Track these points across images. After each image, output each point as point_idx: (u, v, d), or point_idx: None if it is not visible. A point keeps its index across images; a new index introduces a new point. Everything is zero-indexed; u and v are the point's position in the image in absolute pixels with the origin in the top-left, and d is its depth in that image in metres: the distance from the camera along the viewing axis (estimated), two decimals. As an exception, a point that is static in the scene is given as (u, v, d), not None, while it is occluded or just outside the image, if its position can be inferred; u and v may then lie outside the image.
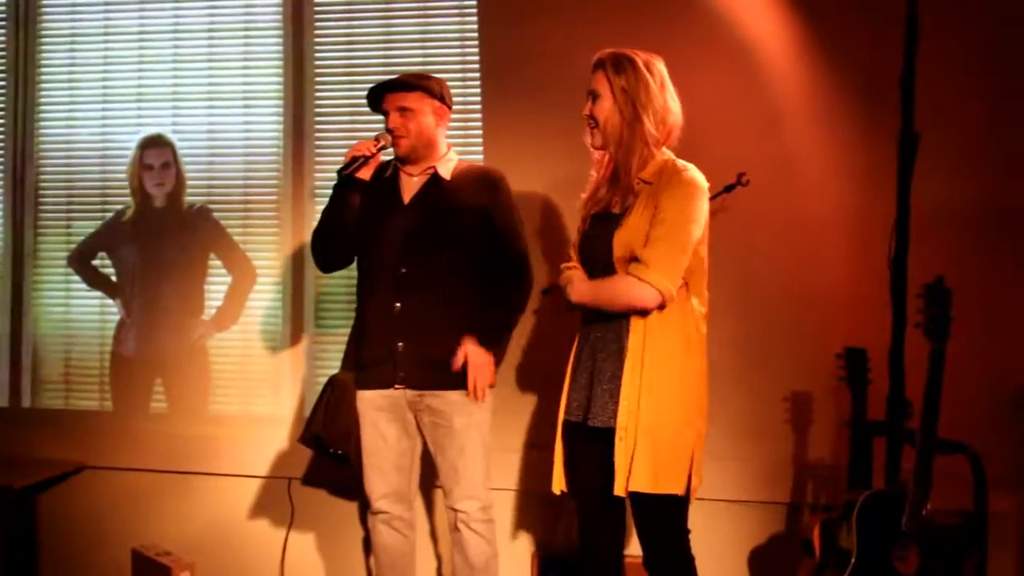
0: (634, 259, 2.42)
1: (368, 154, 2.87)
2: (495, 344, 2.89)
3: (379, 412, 2.92)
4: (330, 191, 2.98)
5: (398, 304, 2.85)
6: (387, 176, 2.99)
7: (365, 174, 2.91)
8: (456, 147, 3.40)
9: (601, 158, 2.59)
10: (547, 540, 3.50)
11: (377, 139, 2.90)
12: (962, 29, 3.11)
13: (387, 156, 3.00)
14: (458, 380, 2.85)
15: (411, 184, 2.97)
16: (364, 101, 2.98)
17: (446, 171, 2.95)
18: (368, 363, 2.90)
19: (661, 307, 2.40)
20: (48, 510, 3.89)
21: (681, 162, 2.49)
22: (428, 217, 2.87)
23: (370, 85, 2.96)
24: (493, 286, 2.93)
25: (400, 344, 2.85)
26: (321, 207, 3.04)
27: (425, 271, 2.84)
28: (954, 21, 3.08)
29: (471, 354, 2.82)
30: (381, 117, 2.96)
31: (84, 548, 3.85)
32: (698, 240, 2.45)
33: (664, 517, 2.47)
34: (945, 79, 3.00)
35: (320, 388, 3.04)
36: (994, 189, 3.14)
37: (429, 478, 3.16)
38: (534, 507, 3.50)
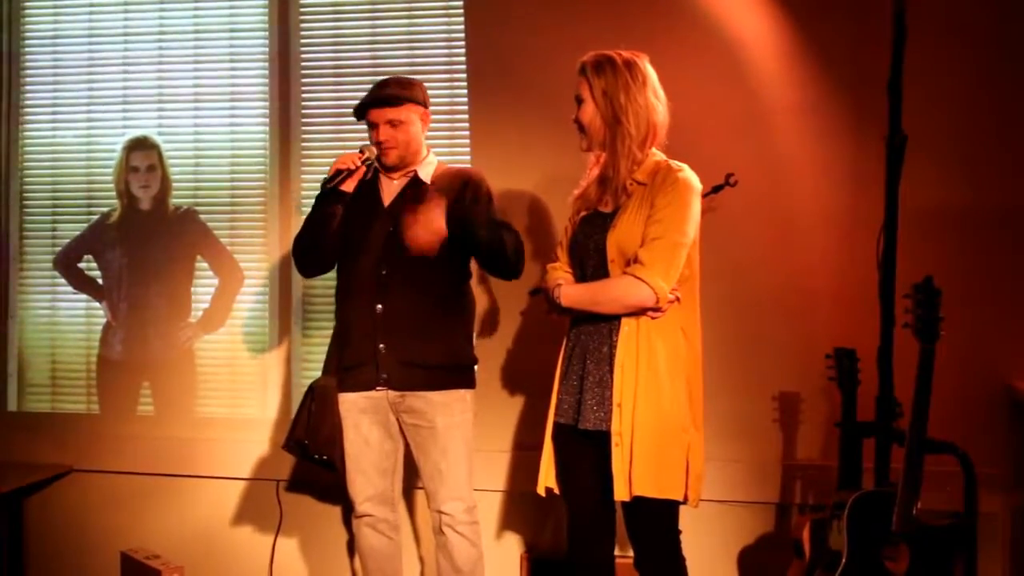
0: (628, 260, 2.42)
1: (353, 167, 2.87)
2: (474, 220, 2.75)
3: (362, 414, 2.91)
4: (317, 193, 2.96)
5: (380, 306, 2.84)
6: (367, 179, 2.98)
7: (349, 186, 2.90)
8: (443, 148, 3.41)
9: (597, 158, 2.58)
10: (535, 541, 3.49)
11: (362, 151, 2.90)
12: (949, 30, 3.10)
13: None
14: (440, 381, 2.85)
15: (391, 187, 2.96)
16: (351, 102, 2.98)
17: (426, 174, 2.95)
18: (350, 365, 2.90)
19: (656, 308, 2.40)
20: (35, 514, 3.88)
21: (675, 163, 2.49)
22: (408, 219, 2.86)
23: (357, 85, 2.98)
24: (470, 289, 2.95)
25: (382, 346, 2.84)
26: (308, 209, 3.02)
27: (406, 273, 2.84)
28: (941, 21, 3.07)
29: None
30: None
31: (72, 552, 3.84)
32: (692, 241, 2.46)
33: (659, 519, 2.47)
34: (932, 80, 3.00)
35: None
36: (982, 189, 3.13)
37: (410, 480, 3.15)
38: (521, 508, 3.49)
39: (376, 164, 2.97)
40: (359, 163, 2.88)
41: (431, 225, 2.84)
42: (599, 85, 2.46)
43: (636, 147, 2.46)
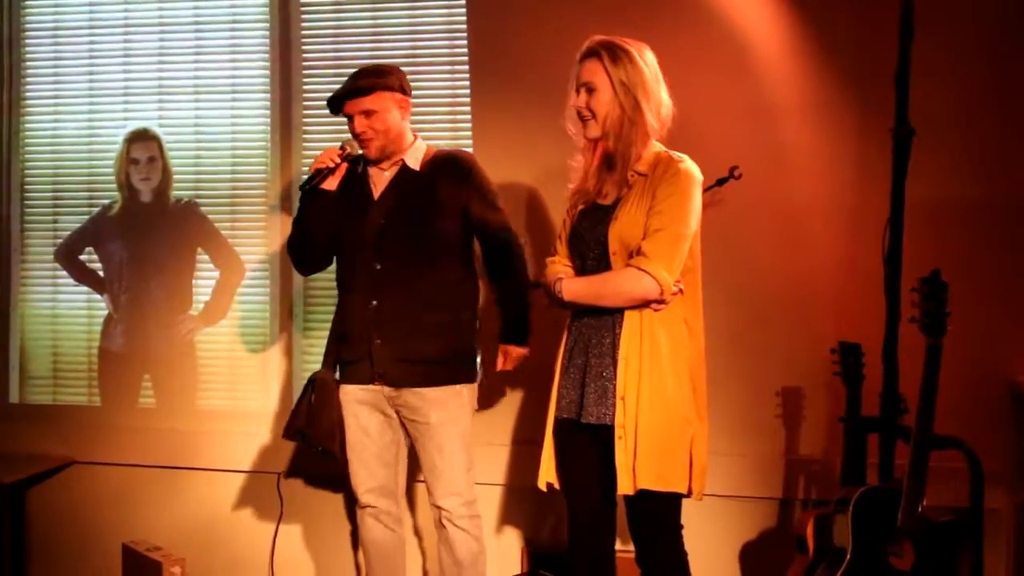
0: (630, 252, 2.41)
1: (332, 165, 2.83)
2: (528, 335, 3.00)
3: (360, 405, 2.91)
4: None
5: (374, 301, 2.83)
6: (358, 172, 2.96)
7: (331, 184, 2.86)
8: (445, 138, 3.38)
9: (587, 148, 2.56)
10: (535, 535, 3.49)
11: (343, 147, 2.86)
12: (957, 22, 3.07)
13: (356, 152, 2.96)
14: (435, 377, 2.83)
15: (381, 178, 2.93)
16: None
17: (415, 161, 2.91)
18: (348, 361, 2.89)
19: (660, 300, 2.38)
20: (37, 505, 3.89)
21: (676, 154, 2.47)
22: (399, 210, 2.84)
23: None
24: (474, 280, 2.96)
25: (378, 341, 2.83)
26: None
27: (400, 266, 2.82)
28: (949, 13, 3.04)
29: (512, 351, 2.99)
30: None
31: (73, 543, 3.85)
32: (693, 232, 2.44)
33: (661, 514, 2.46)
34: (939, 73, 2.97)
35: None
36: (989, 183, 3.10)
37: (414, 473, 3.14)
38: (522, 502, 3.48)
39: (363, 159, 2.94)
40: (339, 160, 2.84)
41: (424, 216, 2.83)
42: (617, 75, 2.43)
43: (653, 139, 2.46)
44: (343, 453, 2.93)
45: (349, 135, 2.91)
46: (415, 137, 2.96)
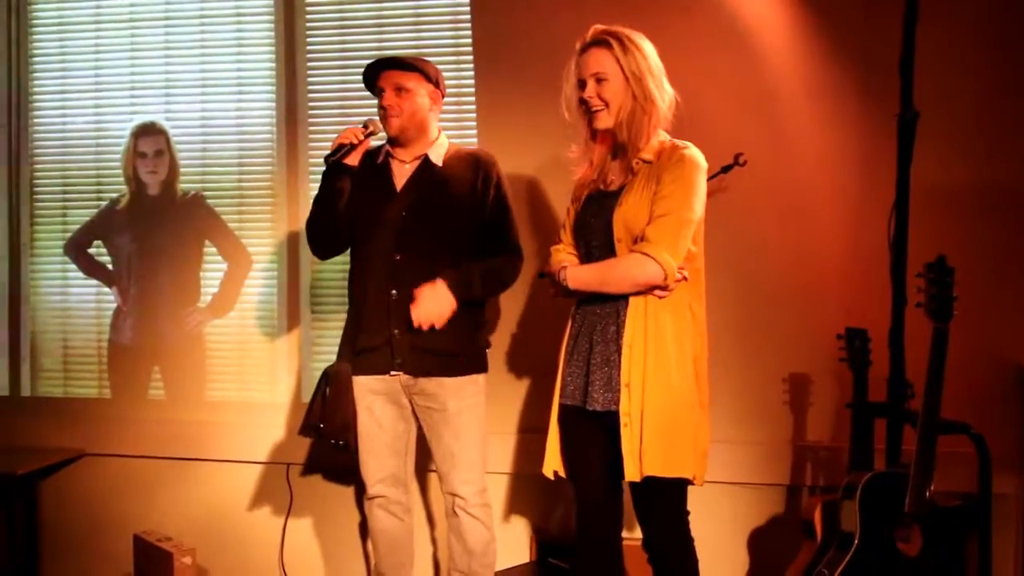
0: (634, 238, 2.41)
1: (356, 141, 2.85)
2: (461, 291, 2.80)
3: (375, 396, 2.91)
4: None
5: (394, 292, 2.83)
6: (379, 163, 2.97)
7: (353, 159, 2.88)
8: (449, 129, 3.38)
9: (588, 136, 2.55)
10: (542, 523, 3.50)
11: (365, 125, 2.88)
12: (961, 6, 3.06)
13: (378, 141, 2.98)
14: (453, 367, 2.85)
15: (403, 171, 2.94)
16: (357, 85, 2.97)
17: (437, 156, 2.93)
18: (365, 349, 2.89)
19: (664, 285, 2.38)
20: (49, 497, 3.92)
21: (680, 141, 2.48)
22: (421, 204, 2.85)
23: (363, 68, 2.93)
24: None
25: (396, 331, 2.84)
26: (315, 192, 3.00)
27: (420, 258, 2.83)
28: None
29: (425, 289, 2.77)
30: (375, 101, 2.94)
31: (85, 534, 3.88)
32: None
33: (667, 500, 2.46)
34: (944, 59, 2.96)
35: (317, 373, 3.02)
36: (994, 168, 3.09)
37: (423, 462, 3.15)
38: (530, 491, 3.49)
39: (386, 146, 2.94)
40: (362, 137, 2.86)
41: (444, 211, 2.83)
42: (629, 66, 2.43)
43: (661, 128, 2.46)
44: (356, 444, 2.94)
45: (351, 127, 2.92)
46: (440, 133, 2.98)
